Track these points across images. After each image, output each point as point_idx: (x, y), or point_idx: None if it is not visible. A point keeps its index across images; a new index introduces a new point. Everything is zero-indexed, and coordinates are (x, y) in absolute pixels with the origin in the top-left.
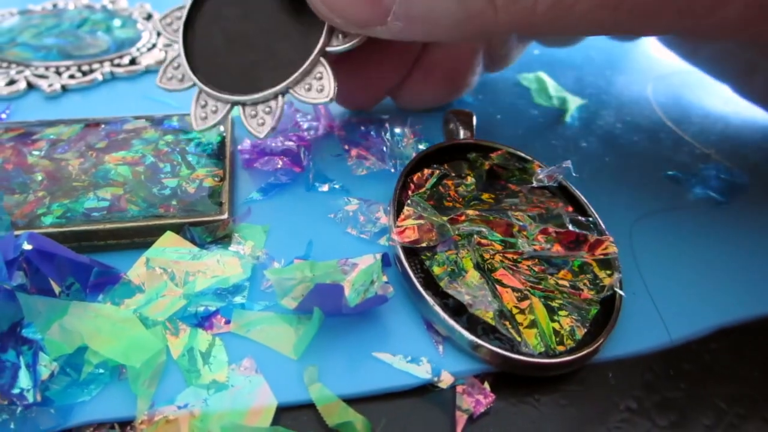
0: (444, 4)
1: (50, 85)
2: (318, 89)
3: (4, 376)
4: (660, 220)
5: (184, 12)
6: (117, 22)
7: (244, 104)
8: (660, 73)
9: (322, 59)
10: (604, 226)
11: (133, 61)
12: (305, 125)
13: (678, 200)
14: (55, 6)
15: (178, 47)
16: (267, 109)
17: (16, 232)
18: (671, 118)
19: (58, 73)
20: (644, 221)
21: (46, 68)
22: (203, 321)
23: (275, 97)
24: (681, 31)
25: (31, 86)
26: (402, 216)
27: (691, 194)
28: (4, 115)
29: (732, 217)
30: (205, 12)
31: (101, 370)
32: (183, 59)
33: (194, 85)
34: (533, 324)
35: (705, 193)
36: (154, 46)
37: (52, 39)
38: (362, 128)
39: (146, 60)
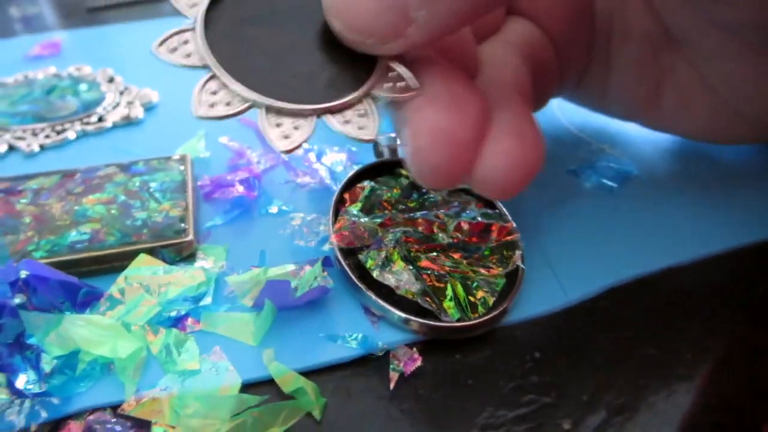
0: None
1: (28, 146)
2: (400, 86)
3: (13, 375)
4: (561, 208)
5: (199, 27)
6: (83, 87)
7: (332, 112)
8: None
9: (391, 63)
10: (510, 216)
11: (100, 119)
12: (255, 159)
13: (577, 189)
14: (26, 77)
15: (211, 70)
16: (361, 112)
17: (15, 263)
18: (572, 123)
19: (35, 135)
20: (548, 209)
21: (24, 131)
22: (177, 323)
23: (361, 99)
24: None
25: (11, 148)
26: (338, 223)
27: (588, 183)
28: None
29: (621, 199)
30: (220, 32)
31: (93, 367)
32: (228, 79)
33: (252, 106)
34: (451, 299)
35: (599, 181)
36: (118, 104)
37: (26, 106)
38: (305, 157)
39: (112, 117)
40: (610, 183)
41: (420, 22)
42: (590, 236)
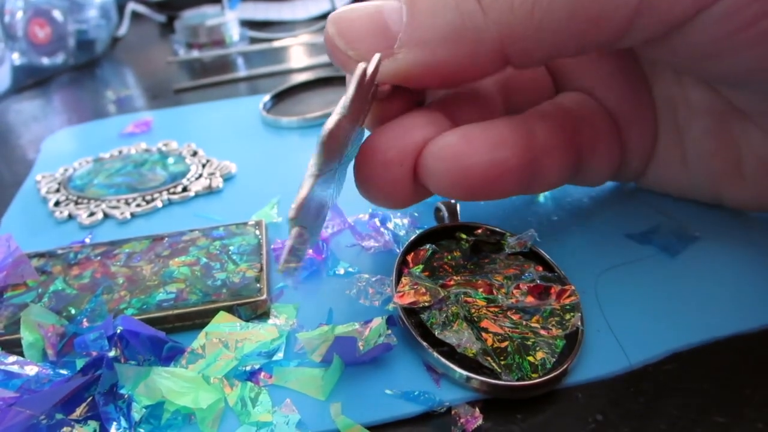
0: (444, 14)
1: (122, 214)
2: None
3: (107, 422)
4: (621, 271)
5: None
6: (170, 160)
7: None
8: None
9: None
10: (568, 279)
11: (185, 189)
12: (324, 224)
13: (637, 254)
14: (120, 152)
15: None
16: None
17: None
18: (632, 188)
19: (127, 204)
20: (607, 273)
21: (117, 201)
22: (251, 376)
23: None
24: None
25: (106, 216)
26: (401, 284)
27: (648, 248)
28: (87, 239)
29: (683, 264)
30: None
31: (176, 417)
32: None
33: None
34: (512, 359)
35: (660, 246)
36: (200, 175)
37: (120, 178)
38: (370, 221)
39: (195, 187)
40: (671, 248)
41: (397, 58)
42: (652, 300)
